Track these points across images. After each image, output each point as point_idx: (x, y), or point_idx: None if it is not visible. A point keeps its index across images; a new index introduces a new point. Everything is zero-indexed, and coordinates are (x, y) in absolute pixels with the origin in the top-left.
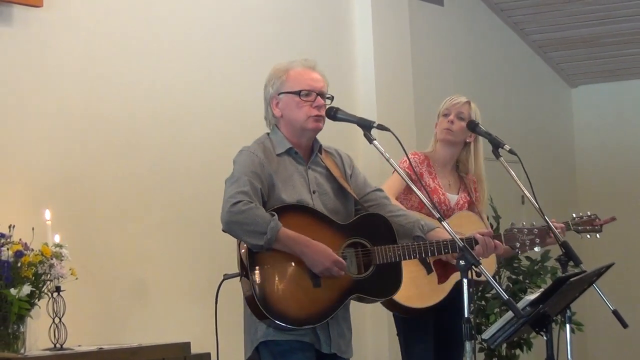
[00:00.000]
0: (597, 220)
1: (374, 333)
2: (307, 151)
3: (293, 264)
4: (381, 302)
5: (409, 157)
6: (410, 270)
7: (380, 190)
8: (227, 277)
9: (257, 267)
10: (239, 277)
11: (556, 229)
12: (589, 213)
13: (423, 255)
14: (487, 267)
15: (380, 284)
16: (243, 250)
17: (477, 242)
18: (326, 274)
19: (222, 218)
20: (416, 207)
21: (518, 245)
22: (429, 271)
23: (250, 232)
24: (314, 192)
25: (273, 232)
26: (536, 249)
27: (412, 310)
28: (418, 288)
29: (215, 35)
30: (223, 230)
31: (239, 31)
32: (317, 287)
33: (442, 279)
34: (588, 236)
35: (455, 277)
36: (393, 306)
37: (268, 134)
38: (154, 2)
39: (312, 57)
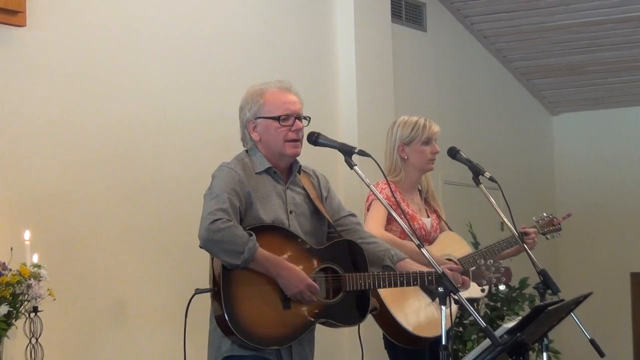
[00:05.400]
0: (555, 219)
1: (351, 355)
2: (286, 171)
3: (265, 284)
4: (386, 334)
5: (382, 186)
6: (418, 299)
7: (353, 215)
8: (198, 291)
9: (229, 284)
10: (210, 293)
11: (529, 234)
12: (545, 214)
13: (392, 285)
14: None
15: (348, 310)
16: (216, 267)
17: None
18: (298, 297)
19: (200, 235)
20: (398, 235)
21: (484, 282)
22: (433, 298)
23: (228, 250)
24: (290, 213)
25: (251, 253)
26: (501, 287)
27: (421, 340)
28: (426, 317)
29: (198, 54)
30: (200, 247)
31: (222, 51)
32: (286, 309)
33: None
34: (552, 236)
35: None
36: (400, 336)
37: (247, 151)
38: (136, 18)
39: (294, 79)
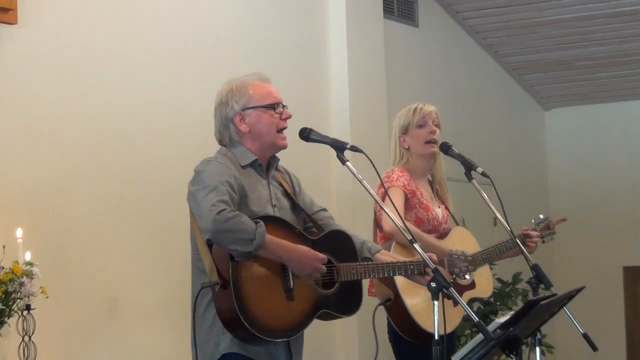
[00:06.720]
0: (551, 223)
1: (345, 352)
2: (266, 165)
3: (268, 275)
4: (396, 326)
5: (398, 173)
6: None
7: (325, 210)
8: (205, 285)
9: (237, 276)
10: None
11: (531, 237)
12: (541, 216)
13: (384, 275)
14: (486, 287)
15: (344, 301)
16: (221, 260)
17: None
18: (315, 274)
19: (206, 228)
20: (412, 223)
21: (457, 271)
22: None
23: (238, 239)
24: (274, 206)
25: (261, 237)
26: (467, 276)
27: (430, 336)
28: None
29: (190, 57)
30: (208, 240)
31: (214, 51)
32: (290, 300)
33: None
34: (548, 239)
35: (466, 296)
36: (411, 330)
37: (226, 146)
38: (128, 21)
39: (286, 75)
